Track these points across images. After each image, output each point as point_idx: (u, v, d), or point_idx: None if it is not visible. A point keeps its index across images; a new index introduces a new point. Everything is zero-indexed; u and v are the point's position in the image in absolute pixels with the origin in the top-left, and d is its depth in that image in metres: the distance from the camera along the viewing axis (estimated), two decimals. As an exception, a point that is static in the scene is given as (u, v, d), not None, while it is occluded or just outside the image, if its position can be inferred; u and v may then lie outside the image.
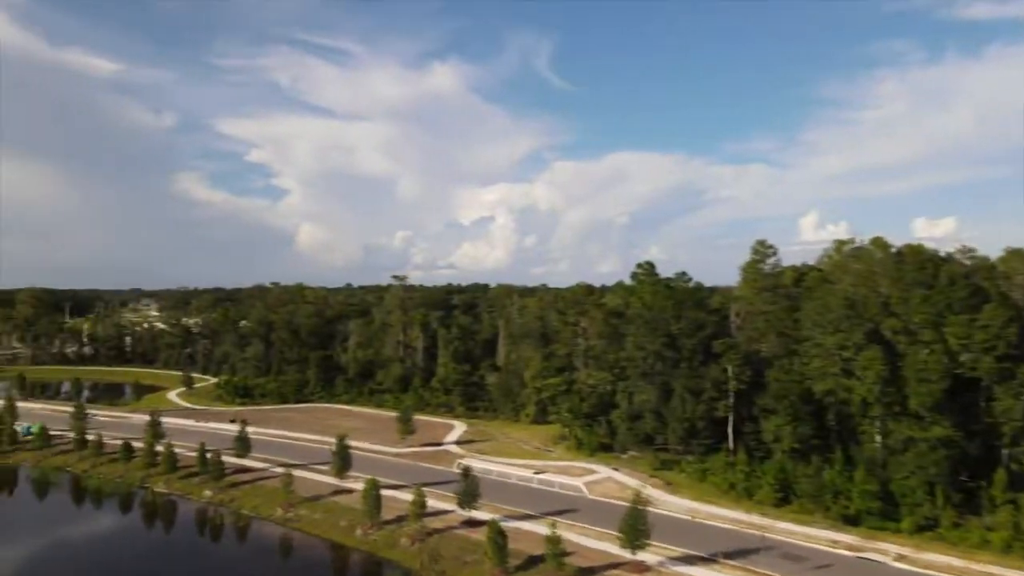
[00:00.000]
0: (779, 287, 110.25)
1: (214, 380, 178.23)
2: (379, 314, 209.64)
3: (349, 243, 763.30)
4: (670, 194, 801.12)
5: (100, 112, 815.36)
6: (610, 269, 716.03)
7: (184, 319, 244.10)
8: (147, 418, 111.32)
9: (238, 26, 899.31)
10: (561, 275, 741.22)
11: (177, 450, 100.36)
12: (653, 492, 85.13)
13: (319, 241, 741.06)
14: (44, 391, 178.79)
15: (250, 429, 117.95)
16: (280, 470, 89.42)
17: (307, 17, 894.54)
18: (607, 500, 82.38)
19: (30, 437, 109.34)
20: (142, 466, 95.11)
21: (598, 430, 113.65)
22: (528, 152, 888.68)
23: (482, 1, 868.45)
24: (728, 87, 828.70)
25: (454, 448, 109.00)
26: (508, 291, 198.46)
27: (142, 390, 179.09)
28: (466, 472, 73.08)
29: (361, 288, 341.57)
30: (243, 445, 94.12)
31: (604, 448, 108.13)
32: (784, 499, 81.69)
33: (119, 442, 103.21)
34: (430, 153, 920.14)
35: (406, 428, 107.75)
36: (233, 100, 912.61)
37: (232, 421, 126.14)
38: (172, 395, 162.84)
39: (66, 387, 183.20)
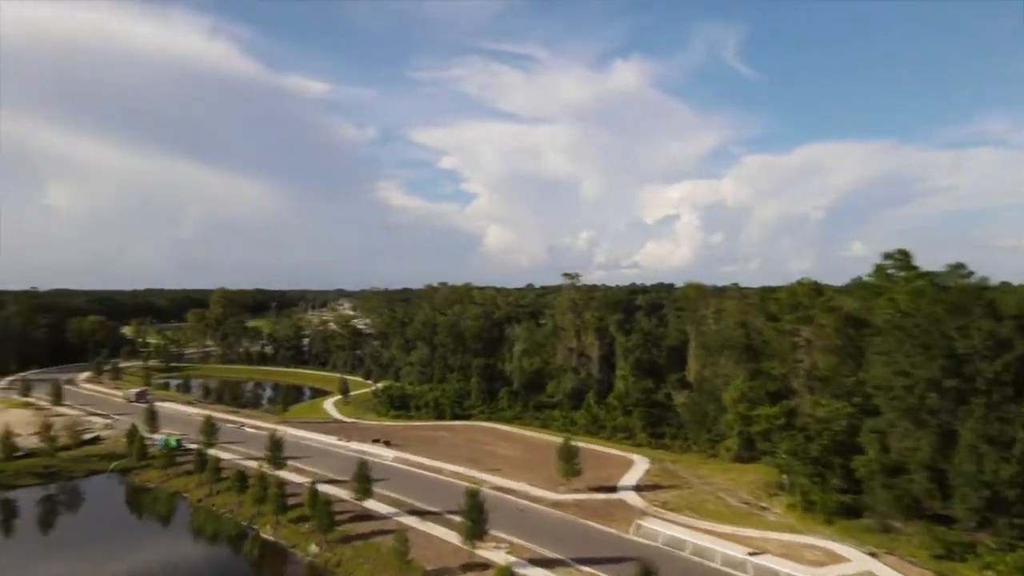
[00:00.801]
0: None
1: (373, 387, 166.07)
2: (550, 317, 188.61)
3: (534, 244, 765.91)
4: (874, 185, 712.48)
5: (312, 129, 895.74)
6: (804, 267, 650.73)
7: (354, 320, 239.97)
8: (287, 432, 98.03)
9: (432, 41, 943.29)
10: (751, 274, 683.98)
11: (298, 479, 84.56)
12: (950, 610, 53.50)
13: (505, 242, 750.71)
14: (208, 393, 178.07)
15: (391, 453, 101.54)
16: (405, 520, 69.56)
17: (494, 26, 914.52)
18: (874, 622, 52.18)
19: (164, 451, 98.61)
20: (254, 500, 78.33)
21: (832, 481, 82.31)
22: (714, 147, 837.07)
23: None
24: (946, 65, 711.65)
25: (632, 497, 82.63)
26: (700, 291, 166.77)
27: (316, 394, 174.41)
28: (647, 572, 47.00)
29: (541, 288, 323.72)
30: (364, 484, 74.42)
31: (847, 512, 76.31)
32: None
33: (248, 464, 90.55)
34: (613, 152, 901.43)
35: (570, 468, 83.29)
36: (426, 111, 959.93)
37: (376, 441, 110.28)
38: (328, 404, 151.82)
39: (251, 387, 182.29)
